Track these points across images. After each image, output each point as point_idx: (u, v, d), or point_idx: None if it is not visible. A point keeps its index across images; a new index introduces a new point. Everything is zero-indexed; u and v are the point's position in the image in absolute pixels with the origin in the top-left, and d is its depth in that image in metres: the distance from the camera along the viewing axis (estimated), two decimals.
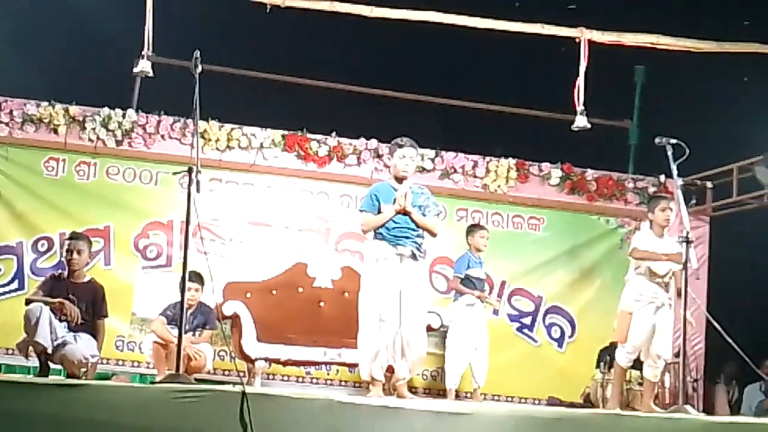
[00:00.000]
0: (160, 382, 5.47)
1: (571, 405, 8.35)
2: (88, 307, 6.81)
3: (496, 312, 9.19)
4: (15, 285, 8.60)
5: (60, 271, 7.18)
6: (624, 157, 10.24)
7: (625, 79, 10.38)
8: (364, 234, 6.86)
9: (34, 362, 7.68)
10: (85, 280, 6.98)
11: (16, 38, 9.58)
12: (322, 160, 9.01)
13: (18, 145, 8.70)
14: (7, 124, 8.58)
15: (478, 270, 8.34)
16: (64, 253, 7.00)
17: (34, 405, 4.26)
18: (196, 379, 6.44)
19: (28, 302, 6.69)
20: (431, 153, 9.13)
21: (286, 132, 8.99)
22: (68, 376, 6.62)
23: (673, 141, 6.48)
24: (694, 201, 9.38)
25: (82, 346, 6.66)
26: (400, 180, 6.74)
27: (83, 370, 6.67)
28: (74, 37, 9.45)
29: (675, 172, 6.48)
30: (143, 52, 7.65)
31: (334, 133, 9.08)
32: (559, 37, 8.06)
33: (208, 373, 7.67)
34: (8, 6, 9.29)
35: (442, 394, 8.52)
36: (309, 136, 9.03)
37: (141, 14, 7.57)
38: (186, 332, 6.69)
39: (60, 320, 6.64)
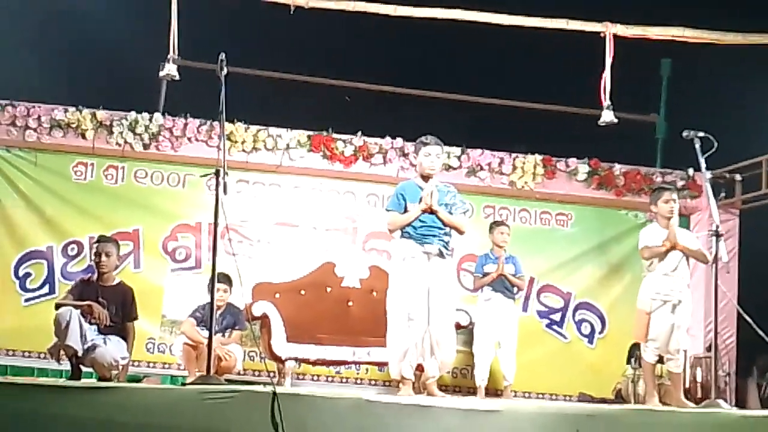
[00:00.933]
0: (190, 383, 5.49)
1: (603, 401, 8.32)
2: (118, 309, 6.87)
3: (525, 308, 9.17)
4: (46, 289, 8.66)
5: (89, 275, 7.24)
6: (651, 151, 10.18)
7: (651, 73, 10.31)
8: (391, 233, 6.86)
9: (65, 366, 7.77)
10: (115, 282, 7.03)
11: (42, 45, 9.66)
12: (348, 160, 9.02)
13: (47, 151, 8.78)
14: (35, 130, 8.65)
15: (492, 266, 8.32)
16: (93, 257, 7.06)
17: (65, 408, 4.29)
18: (226, 380, 6.46)
19: (57, 306, 6.75)
20: (457, 151, 9.12)
21: (311, 132, 9.01)
22: (99, 379, 6.68)
23: (701, 134, 6.43)
24: (723, 194, 9.31)
25: (112, 348, 6.72)
26: (426, 178, 6.74)
27: (114, 372, 6.74)
28: (100, 42, 9.51)
29: (703, 165, 6.44)
30: (169, 56, 7.73)
31: (359, 133, 9.09)
32: (585, 32, 8.04)
33: (238, 373, 7.72)
34: (33, 13, 9.38)
35: (472, 391, 8.52)
36: (335, 136, 9.04)
37: (166, 18, 7.63)
38: (215, 333, 6.73)
39: (90, 323, 6.70)
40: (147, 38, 8.60)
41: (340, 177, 9.13)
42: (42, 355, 8.41)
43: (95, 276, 7.03)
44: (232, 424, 4.29)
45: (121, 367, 6.83)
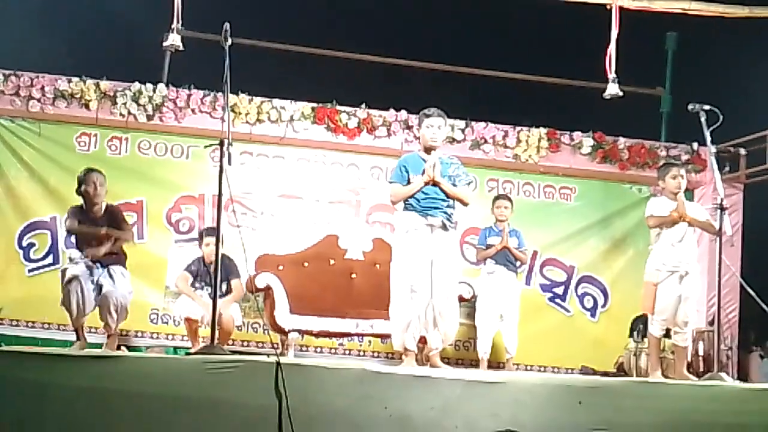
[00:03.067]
0: (194, 353, 5.52)
1: (605, 374, 8.33)
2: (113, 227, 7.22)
3: (528, 282, 9.18)
4: (50, 260, 8.68)
5: (80, 204, 7.41)
6: (656, 125, 10.15)
7: (657, 47, 10.27)
8: (394, 205, 6.86)
9: (70, 336, 7.82)
10: (102, 209, 7.29)
11: (45, 14, 9.62)
12: (351, 132, 9.00)
13: (50, 121, 8.77)
14: (39, 100, 8.64)
15: (496, 239, 8.34)
16: (85, 187, 7.21)
17: (69, 377, 4.31)
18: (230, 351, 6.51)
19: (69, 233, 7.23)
20: (461, 123, 9.10)
21: (315, 104, 8.99)
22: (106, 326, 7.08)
23: (707, 107, 6.42)
24: (727, 168, 9.30)
25: (119, 286, 7.10)
26: (429, 150, 6.72)
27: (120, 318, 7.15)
28: (103, 11, 9.47)
29: (708, 139, 6.42)
30: (173, 26, 7.69)
31: (363, 105, 9.07)
32: (590, 4, 8.00)
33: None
34: None
35: (474, 364, 8.53)
36: (338, 108, 9.02)
37: None
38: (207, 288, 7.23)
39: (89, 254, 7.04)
40: (151, 8, 8.56)
41: (343, 149, 9.11)
42: (46, 325, 8.48)
43: (85, 206, 7.24)
44: (236, 394, 4.31)
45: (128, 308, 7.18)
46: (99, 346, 7.13)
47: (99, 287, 7.15)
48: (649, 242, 7.23)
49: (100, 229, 7.11)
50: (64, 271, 7.27)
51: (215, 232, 6.73)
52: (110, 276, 7.16)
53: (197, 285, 7.85)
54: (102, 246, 7.12)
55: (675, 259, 6.90)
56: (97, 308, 7.19)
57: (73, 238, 7.51)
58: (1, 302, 8.47)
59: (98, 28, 9.79)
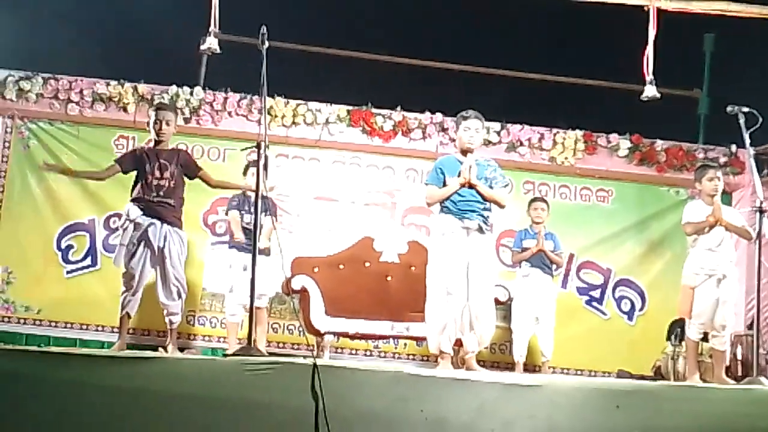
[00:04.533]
0: (233, 354, 5.54)
1: (642, 378, 8.28)
2: (181, 169, 7.08)
3: (564, 285, 9.14)
4: (88, 261, 8.76)
5: (143, 145, 7.43)
6: (694, 127, 10.06)
7: (694, 48, 10.18)
8: (429, 207, 6.86)
9: (108, 337, 7.90)
10: (170, 147, 7.22)
11: (83, 18, 9.70)
12: (387, 135, 9.01)
13: (89, 124, 8.86)
14: (77, 104, 8.73)
15: (531, 242, 8.34)
16: (153, 125, 7.09)
17: (106, 377, 4.35)
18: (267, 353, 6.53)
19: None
20: (497, 126, 9.07)
21: (351, 107, 9.00)
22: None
23: (745, 109, 6.36)
24: (766, 171, 9.20)
25: (175, 259, 6.97)
26: (465, 153, 6.73)
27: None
28: (141, 15, 9.53)
29: (747, 141, 6.37)
30: (210, 29, 7.73)
31: (399, 108, 9.07)
32: (627, 5, 7.95)
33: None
34: None
35: (510, 367, 8.51)
36: (374, 110, 9.03)
37: None
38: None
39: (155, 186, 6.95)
40: (187, 12, 8.62)
41: (379, 152, 9.12)
42: (84, 326, 8.55)
43: (152, 144, 7.17)
44: (273, 396, 4.33)
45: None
46: (132, 347, 7.14)
47: (161, 254, 6.96)
48: (686, 245, 7.18)
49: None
50: None
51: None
52: (167, 243, 6.99)
53: (242, 213, 7.91)
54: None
55: (712, 263, 6.85)
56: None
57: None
58: (39, 303, 8.58)
59: (136, 32, 9.85)
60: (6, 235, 8.54)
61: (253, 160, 7.45)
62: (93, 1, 9.63)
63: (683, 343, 7.65)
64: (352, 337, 8.25)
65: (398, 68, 10.02)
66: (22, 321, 8.63)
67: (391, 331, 8.15)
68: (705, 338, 7.16)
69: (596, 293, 9.28)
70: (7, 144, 8.84)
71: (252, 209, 6.00)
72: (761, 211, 6.20)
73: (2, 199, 8.75)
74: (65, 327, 8.61)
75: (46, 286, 8.67)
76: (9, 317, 8.62)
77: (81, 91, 8.73)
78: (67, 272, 8.73)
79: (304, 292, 8.00)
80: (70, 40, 9.49)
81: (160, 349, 7.21)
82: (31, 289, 8.66)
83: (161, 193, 6.93)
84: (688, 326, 7.03)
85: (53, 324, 8.63)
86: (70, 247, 8.77)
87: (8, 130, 8.83)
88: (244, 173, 7.96)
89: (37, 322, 8.63)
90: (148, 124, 7.14)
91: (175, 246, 6.95)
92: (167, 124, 7.07)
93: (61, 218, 8.80)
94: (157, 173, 6.92)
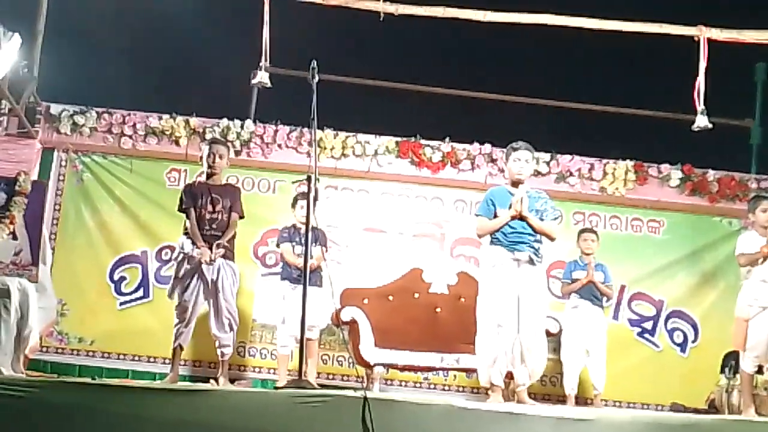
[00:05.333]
0: (283, 387, 5.55)
1: (696, 411, 8.15)
2: (229, 206, 7.23)
3: (616, 316, 9.05)
4: (140, 293, 8.85)
5: (195, 179, 7.58)
6: (746, 157, 9.96)
7: (746, 78, 10.10)
8: (480, 239, 6.84)
9: (160, 368, 7.95)
10: (223, 182, 7.40)
11: (136, 54, 9.88)
12: (435, 166, 9.01)
13: (141, 157, 8.98)
14: (130, 137, 8.86)
15: (581, 273, 8.29)
16: (207, 158, 7.26)
17: (158, 410, 4.39)
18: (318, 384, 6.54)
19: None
20: (546, 156, 9.04)
21: (399, 138, 9.03)
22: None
23: None
24: None
25: (228, 293, 7.10)
26: (516, 184, 6.71)
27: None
28: (192, 50, 9.69)
29: None
30: (261, 64, 7.82)
31: (447, 139, 9.08)
32: (678, 36, 7.92)
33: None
34: (126, 23, 9.60)
35: (561, 399, 8.43)
36: (422, 142, 9.05)
37: (258, 26, 7.74)
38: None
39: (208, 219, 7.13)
40: (239, 46, 8.73)
41: (427, 183, 9.13)
42: (136, 358, 8.63)
43: (204, 177, 7.31)
44: (324, 428, 4.33)
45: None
46: (184, 378, 7.18)
47: (214, 286, 7.12)
48: (740, 276, 7.08)
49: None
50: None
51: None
52: (220, 277, 7.15)
53: (294, 244, 7.94)
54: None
55: (767, 295, 6.74)
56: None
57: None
58: (93, 335, 8.67)
59: (187, 66, 10.02)
60: (60, 268, 8.63)
61: (302, 192, 7.51)
62: (146, 37, 9.81)
63: (737, 375, 7.53)
64: (402, 368, 8.22)
65: (447, 99, 10.05)
66: (75, 352, 8.73)
67: (441, 362, 8.12)
68: (760, 371, 7.04)
69: (648, 325, 9.17)
70: (61, 177, 8.98)
71: (303, 241, 6.03)
72: None
73: (57, 231, 8.88)
74: (118, 358, 8.70)
75: (99, 318, 8.76)
76: (63, 348, 8.72)
77: (134, 125, 8.86)
78: (120, 304, 8.82)
79: (353, 324, 8.00)
80: (123, 75, 9.67)
81: (212, 380, 7.25)
82: (84, 320, 8.76)
83: (214, 227, 7.03)
84: (742, 359, 6.92)
85: (106, 355, 8.72)
86: (122, 278, 8.86)
87: (63, 163, 8.98)
88: (293, 205, 8.01)
89: (90, 354, 8.72)
90: (201, 157, 7.25)
91: (228, 279, 7.03)
92: (220, 157, 7.21)
93: (114, 250, 8.90)
94: (210, 207, 7.06)
